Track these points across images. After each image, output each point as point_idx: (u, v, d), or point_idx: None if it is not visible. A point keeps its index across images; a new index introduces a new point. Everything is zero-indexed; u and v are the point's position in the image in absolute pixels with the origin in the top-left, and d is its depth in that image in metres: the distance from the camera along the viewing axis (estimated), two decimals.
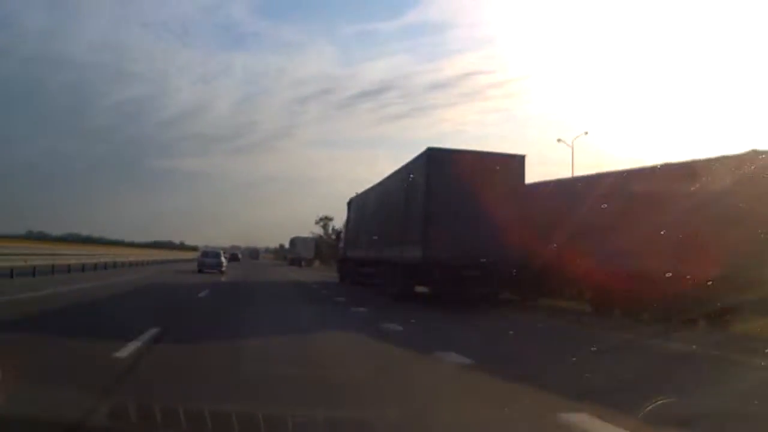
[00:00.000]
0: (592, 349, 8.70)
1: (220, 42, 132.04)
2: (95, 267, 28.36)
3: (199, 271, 32.78)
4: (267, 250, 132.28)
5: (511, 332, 10.70)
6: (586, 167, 50.53)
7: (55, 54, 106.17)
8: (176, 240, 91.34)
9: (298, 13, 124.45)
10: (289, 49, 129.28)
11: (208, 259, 35.22)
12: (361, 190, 25.81)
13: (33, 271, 20.57)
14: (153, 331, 7.95)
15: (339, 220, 68.72)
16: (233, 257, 70.60)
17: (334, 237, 69.93)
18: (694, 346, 9.02)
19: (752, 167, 10.71)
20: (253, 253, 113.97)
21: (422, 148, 15.35)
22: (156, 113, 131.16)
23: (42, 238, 63.93)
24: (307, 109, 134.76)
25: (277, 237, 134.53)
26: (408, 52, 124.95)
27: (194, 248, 73.43)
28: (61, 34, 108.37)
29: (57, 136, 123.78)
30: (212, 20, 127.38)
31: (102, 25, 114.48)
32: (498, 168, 14.73)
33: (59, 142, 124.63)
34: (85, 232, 75.45)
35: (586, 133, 45.54)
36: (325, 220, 77.13)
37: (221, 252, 38.80)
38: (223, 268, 34.45)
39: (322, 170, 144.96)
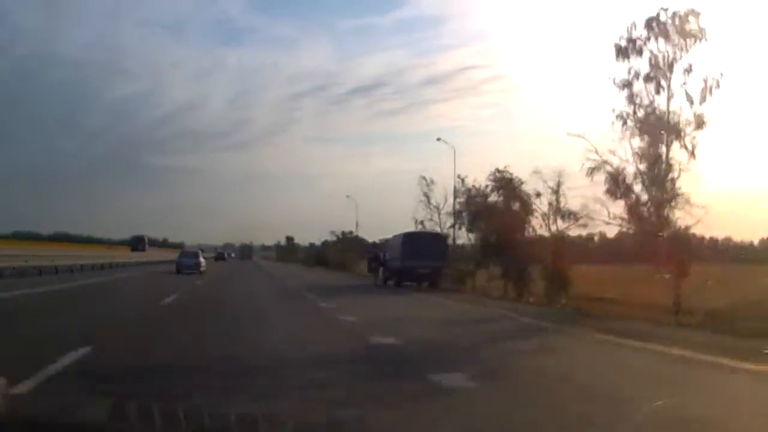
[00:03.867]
0: None
1: (214, 38, 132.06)
2: None
3: (178, 272, 33.78)
4: (264, 248, 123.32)
5: None
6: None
7: (47, 53, 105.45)
8: (159, 237, 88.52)
9: (292, 9, 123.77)
10: (283, 44, 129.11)
11: (186, 260, 36.64)
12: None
13: None
14: None
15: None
16: (219, 256, 69.00)
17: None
18: None
19: None
20: (246, 251, 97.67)
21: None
22: (150, 110, 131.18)
23: (28, 237, 62.82)
24: (301, 105, 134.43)
25: (276, 234, 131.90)
26: (402, 47, 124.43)
27: (176, 246, 71.76)
28: (55, 32, 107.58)
29: (49, 134, 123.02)
30: (206, 16, 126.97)
31: (96, 23, 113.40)
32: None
33: (51, 140, 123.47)
34: (73, 231, 74.00)
35: None
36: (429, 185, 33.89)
37: (200, 252, 40.79)
38: (202, 269, 35.72)
39: (318, 166, 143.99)
